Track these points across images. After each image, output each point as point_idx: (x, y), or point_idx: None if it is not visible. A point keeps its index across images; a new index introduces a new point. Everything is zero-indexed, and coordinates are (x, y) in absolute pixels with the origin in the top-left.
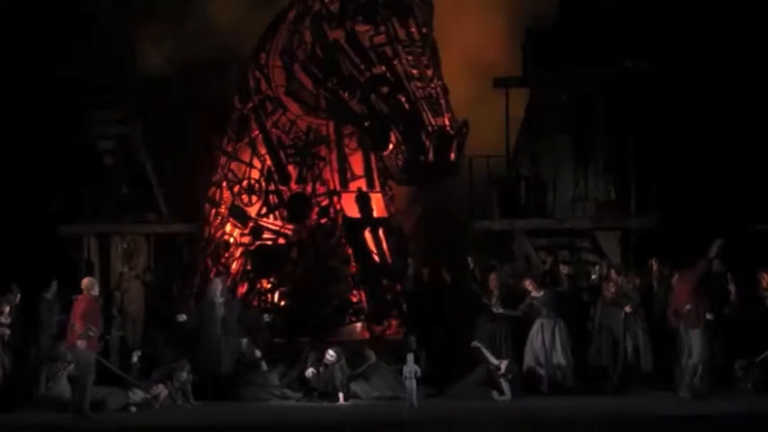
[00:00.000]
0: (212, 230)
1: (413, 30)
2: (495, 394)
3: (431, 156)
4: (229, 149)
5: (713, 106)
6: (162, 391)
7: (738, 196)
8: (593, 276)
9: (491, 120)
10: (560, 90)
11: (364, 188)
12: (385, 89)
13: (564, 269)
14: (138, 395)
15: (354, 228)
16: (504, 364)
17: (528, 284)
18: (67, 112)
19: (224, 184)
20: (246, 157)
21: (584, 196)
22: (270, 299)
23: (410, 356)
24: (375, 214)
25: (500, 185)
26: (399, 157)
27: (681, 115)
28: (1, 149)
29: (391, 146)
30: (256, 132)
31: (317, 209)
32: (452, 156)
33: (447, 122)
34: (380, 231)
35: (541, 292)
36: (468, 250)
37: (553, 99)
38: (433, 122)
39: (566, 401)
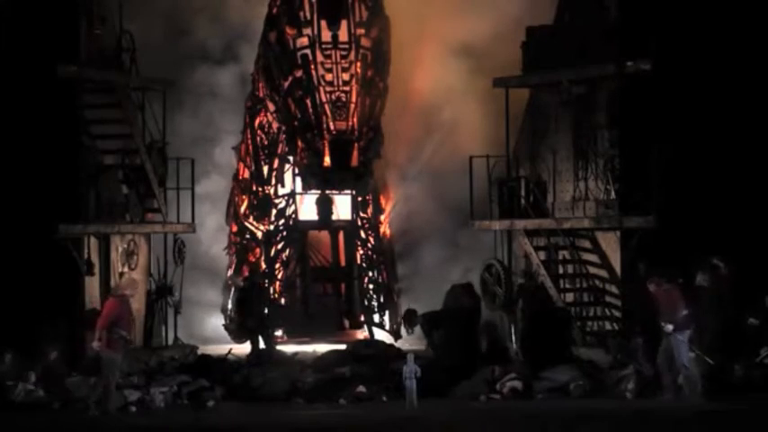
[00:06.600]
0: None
1: (341, 32)
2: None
3: (326, 160)
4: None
5: (713, 106)
6: (157, 396)
7: (737, 196)
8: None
9: (491, 120)
10: (560, 90)
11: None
12: (299, 93)
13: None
14: (134, 395)
15: (298, 229)
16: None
17: None
18: (67, 112)
19: (234, 184)
20: (246, 158)
21: (585, 196)
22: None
23: (410, 356)
24: (339, 216)
25: (500, 185)
26: (304, 162)
27: (681, 115)
28: (1, 149)
29: (299, 150)
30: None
31: (274, 210)
32: (354, 161)
33: (349, 127)
34: (340, 234)
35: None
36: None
37: (553, 99)
38: (333, 127)
39: (566, 402)
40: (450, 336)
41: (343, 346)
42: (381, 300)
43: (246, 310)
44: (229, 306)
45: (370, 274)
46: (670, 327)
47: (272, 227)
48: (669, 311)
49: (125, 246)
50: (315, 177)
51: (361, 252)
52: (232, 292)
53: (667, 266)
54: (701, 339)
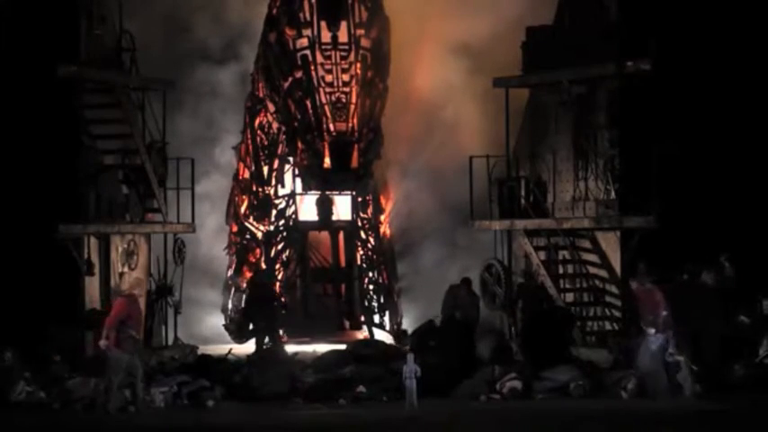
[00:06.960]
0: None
1: (341, 32)
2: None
3: (326, 162)
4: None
5: (713, 106)
6: (157, 396)
7: (737, 196)
8: None
9: (490, 119)
10: (560, 90)
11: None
12: (299, 94)
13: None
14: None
15: (299, 230)
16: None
17: None
18: (67, 112)
19: (234, 184)
20: (246, 158)
21: (585, 196)
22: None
23: (410, 356)
24: (339, 217)
25: (500, 185)
26: (304, 163)
27: (681, 115)
28: (1, 149)
29: (299, 152)
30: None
31: (274, 210)
32: (354, 162)
33: (349, 128)
34: (340, 235)
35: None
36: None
37: (553, 99)
38: (333, 128)
39: (566, 402)
40: (449, 347)
41: (343, 347)
42: (381, 300)
43: (255, 310)
44: (230, 306)
45: (371, 274)
46: (652, 330)
47: (272, 227)
48: (650, 314)
49: (125, 246)
50: (315, 178)
51: (362, 252)
52: (232, 293)
53: (668, 267)
54: (701, 339)
